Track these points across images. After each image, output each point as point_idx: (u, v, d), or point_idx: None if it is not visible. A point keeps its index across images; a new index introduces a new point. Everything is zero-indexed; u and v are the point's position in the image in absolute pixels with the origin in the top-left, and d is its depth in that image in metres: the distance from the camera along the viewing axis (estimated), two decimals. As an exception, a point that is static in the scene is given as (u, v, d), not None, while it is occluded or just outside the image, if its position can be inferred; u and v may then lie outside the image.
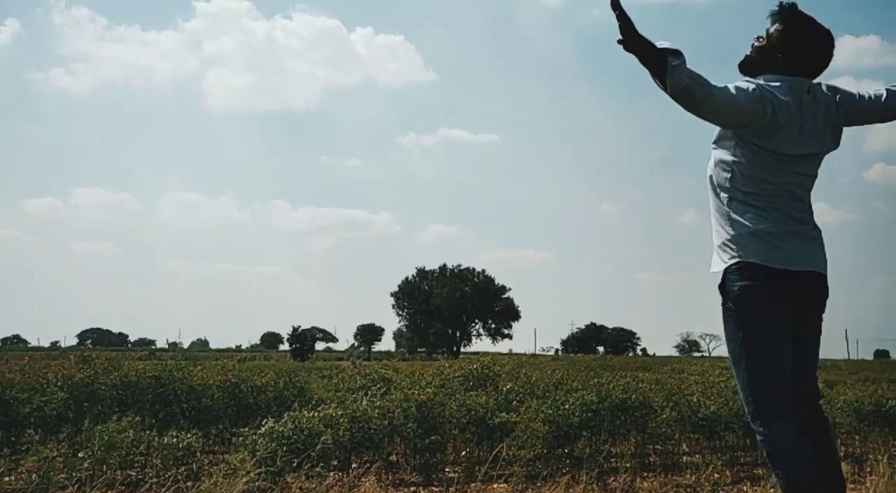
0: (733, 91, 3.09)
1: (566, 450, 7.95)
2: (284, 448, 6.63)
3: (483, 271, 78.82)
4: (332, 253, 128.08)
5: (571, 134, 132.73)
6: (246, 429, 7.59)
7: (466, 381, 10.00)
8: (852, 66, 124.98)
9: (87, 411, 8.37)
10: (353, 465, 7.34)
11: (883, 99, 3.40)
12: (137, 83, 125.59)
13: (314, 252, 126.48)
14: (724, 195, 3.28)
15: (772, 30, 3.32)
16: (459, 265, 78.55)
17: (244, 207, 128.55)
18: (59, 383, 8.57)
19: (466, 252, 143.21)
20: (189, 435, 6.92)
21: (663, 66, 2.99)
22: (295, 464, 6.42)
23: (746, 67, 3.38)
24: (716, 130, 3.33)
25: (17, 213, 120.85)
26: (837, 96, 3.36)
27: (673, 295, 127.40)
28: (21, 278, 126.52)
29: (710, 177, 3.39)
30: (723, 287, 3.19)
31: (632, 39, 3.05)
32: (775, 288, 3.07)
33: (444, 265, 78.40)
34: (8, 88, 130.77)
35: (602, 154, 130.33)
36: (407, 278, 78.39)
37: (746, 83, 3.18)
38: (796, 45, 3.27)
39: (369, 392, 9.01)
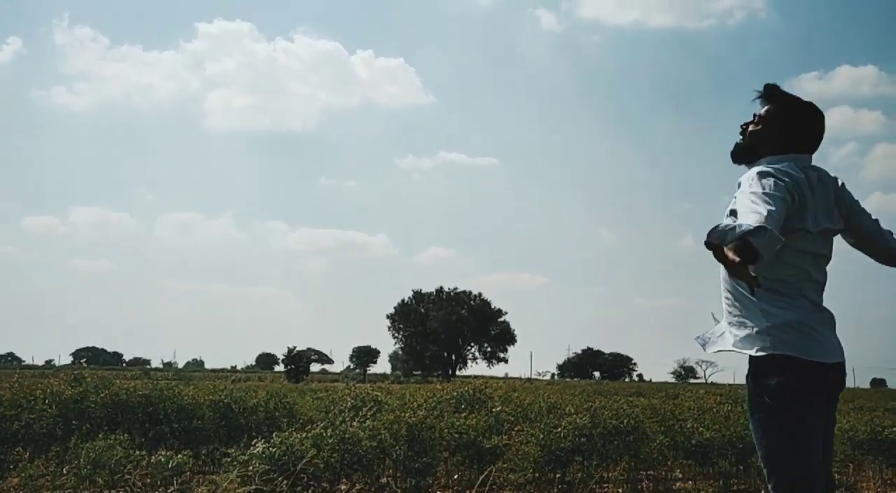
0: (778, 208, 2.82)
1: (557, 475, 7.90)
2: (274, 469, 6.57)
3: (479, 294, 78.80)
4: (329, 275, 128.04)
5: (569, 158, 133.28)
6: (233, 450, 7.54)
7: (458, 403, 9.96)
8: (850, 96, 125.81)
9: (77, 428, 8.32)
10: (343, 487, 7.29)
11: (889, 242, 3.32)
12: (138, 103, 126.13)
13: (311, 273, 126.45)
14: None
15: (763, 111, 3.24)
16: (456, 288, 78.57)
17: (242, 228, 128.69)
18: (47, 401, 8.52)
19: (464, 275, 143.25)
20: (178, 455, 6.87)
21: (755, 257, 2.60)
22: (284, 485, 6.36)
23: (743, 155, 3.27)
24: (728, 208, 3.16)
25: (15, 230, 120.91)
26: (845, 194, 3.30)
27: (670, 321, 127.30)
28: (17, 295, 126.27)
29: None
30: (755, 379, 3.01)
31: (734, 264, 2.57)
32: (813, 382, 2.96)
33: (441, 288, 78.41)
34: (9, 106, 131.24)
35: (600, 179, 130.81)
36: (403, 301, 78.34)
37: (772, 182, 2.92)
38: (793, 123, 3.20)
39: (360, 413, 8.96)
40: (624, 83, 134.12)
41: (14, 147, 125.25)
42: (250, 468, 6.71)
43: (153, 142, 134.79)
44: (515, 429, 8.38)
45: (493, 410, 9.29)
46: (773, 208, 2.78)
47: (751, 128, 3.25)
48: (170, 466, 6.65)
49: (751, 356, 3.02)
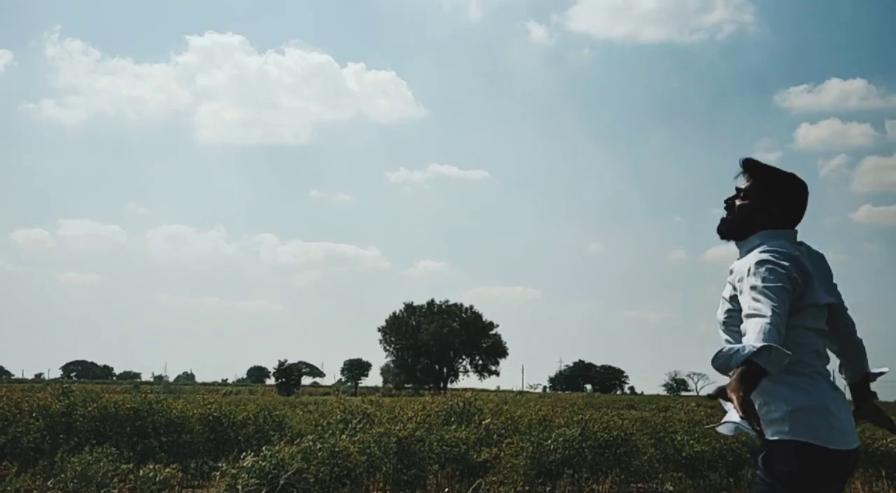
0: (781, 302, 2.73)
1: (548, 487, 7.88)
2: (263, 483, 6.54)
3: (471, 307, 78.61)
4: (320, 287, 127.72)
5: (561, 172, 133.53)
6: (221, 463, 7.51)
7: (448, 416, 9.93)
8: (839, 108, 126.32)
9: (64, 442, 8.26)
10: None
11: (853, 338, 3.18)
12: (129, 115, 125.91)
13: (303, 286, 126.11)
14: None
15: (747, 185, 3.11)
16: (447, 301, 78.41)
17: (232, 241, 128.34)
18: (34, 414, 8.47)
19: (455, 288, 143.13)
20: (167, 469, 6.83)
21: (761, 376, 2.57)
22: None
23: (733, 232, 3.11)
24: (724, 294, 3.01)
25: (4, 243, 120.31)
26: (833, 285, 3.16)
27: (661, 334, 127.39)
28: (6, 308, 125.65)
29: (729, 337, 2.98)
30: (768, 464, 2.80)
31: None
32: (831, 471, 2.82)
33: (432, 301, 78.23)
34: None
35: (591, 192, 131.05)
36: (394, 313, 78.10)
37: (772, 271, 2.81)
38: (783, 197, 3.09)
39: (349, 426, 8.93)
40: (615, 96, 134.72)
41: (4, 160, 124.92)
42: (239, 481, 6.68)
43: (144, 155, 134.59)
44: (506, 442, 8.35)
45: (483, 422, 9.27)
46: (777, 304, 2.70)
47: (738, 202, 3.11)
48: (157, 479, 6.61)
49: (765, 440, 2.81)
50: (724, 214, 3.16)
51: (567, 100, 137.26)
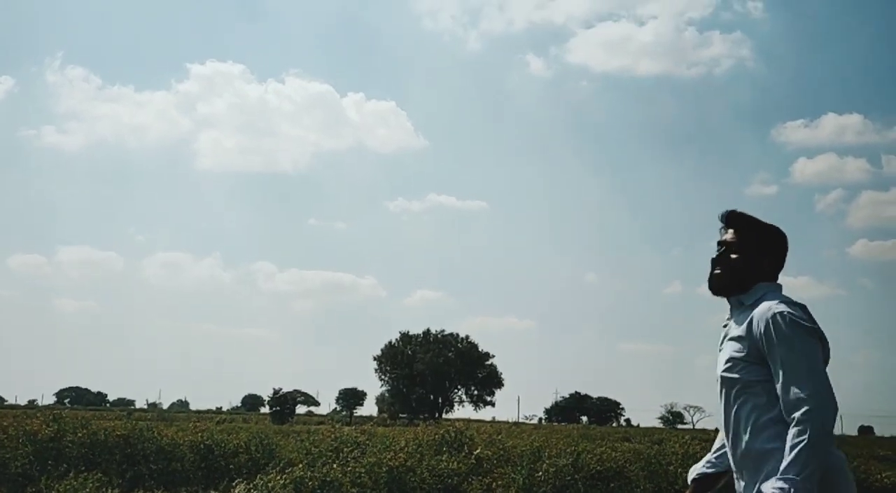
0: (825, 375, 2.73)
1: (539, 519, 7.82)
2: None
3: (467, 336, 78.36)
4: (316, 316, 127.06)
5: (558, 203, 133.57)
6: (212, 492, 7.46)
7: (440, 446, 9.87)
8: (835, 143, 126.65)
9: (53, 468, 8.20)
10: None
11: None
12: (129, 143, 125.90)
13: (299, 315, 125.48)
14: (770, 421, 2.76)
15: (733, 238, 3.01)
16: (443, 330, 78.14)
17: (229, 268, 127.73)
18: (22, 440, 8.41)
19: (452, 318, 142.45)
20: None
21: None
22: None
23: (731, 287, 2.98)
24: (736, 343, 2.87)
25: (0, 268, 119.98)
26: None
27: (657, 366, 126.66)
28: (1, 333, 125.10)
29: (739, 405, 2.84)
30: None
31: None
32: None
33: (428, 330, 77.97)
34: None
35: (588, 223, 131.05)
36: (390, 343, 77.81)
37: (807, 334, 2.75)
38: (772, 248, 3.03)
39: (340, 456, 8.88)
40: (612, 129, 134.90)
41: (2, 185, 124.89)
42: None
43: (143, 182, 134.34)
44: (497, 472, 8.30)
45: (474, 453, 9.22)
46: (825, 382, 2.71)
47: (733, 256, 2.99)
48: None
49: None
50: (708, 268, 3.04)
51: (565, 131, 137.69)
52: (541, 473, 7.87)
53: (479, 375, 77.22)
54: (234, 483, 8.08)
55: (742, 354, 2.81)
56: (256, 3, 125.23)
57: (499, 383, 78.17)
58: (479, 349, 77.82)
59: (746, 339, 2.81)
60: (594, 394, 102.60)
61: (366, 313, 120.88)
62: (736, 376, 2.82)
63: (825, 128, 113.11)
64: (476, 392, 77.81)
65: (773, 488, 2.58)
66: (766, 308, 2.81)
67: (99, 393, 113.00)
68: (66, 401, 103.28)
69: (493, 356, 78.17)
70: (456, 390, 77.92)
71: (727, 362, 2.85)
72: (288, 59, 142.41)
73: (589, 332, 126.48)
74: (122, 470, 9.01)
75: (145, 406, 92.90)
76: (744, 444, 2.79)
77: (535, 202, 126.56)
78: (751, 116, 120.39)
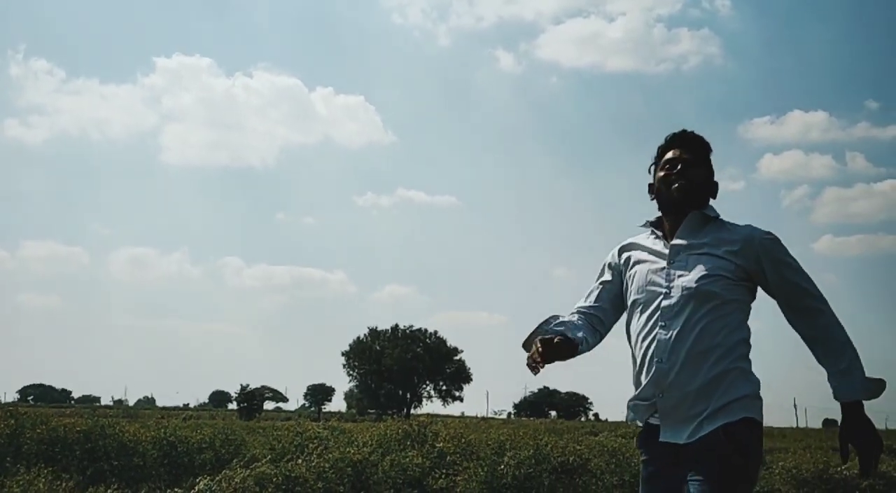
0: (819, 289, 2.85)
1: (503, 513, 7.84)
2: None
3: (435, 332, 78.38)
4: (285, 311, 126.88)
5: (527, 198, 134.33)
6: (177, 489, 7.40)
7: (404, 440, 9.87)
8: (800, 141, 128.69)
9: (11, 465, 8.09)
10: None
11: None
12: (93, 136, 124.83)
13: (267, 310, 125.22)
14: (739, 341, 2.76)
15: (692, 156, 2.93)
16: (411, 326, 78.08)
17: (197, 263, 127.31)
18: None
19: (421, 313, 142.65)
20: (115, 493, 6.71)
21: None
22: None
23: (698, 201, 2.89)
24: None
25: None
26: None
27: (626, 360, 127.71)
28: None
29: (719, 308, 2.75)
30: (736, 440, 2.67)
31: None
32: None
33: (396, 326, 77.90)
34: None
35: (557, 219, 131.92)
36: (358, 338, 77.71)
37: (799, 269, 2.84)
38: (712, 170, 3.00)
39: (305, 451, 8.84)
40: (581, 124, 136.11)
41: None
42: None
43: (108, 176, 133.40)
44: (461, 465, 8.32)
45: (437, 447, 9.22)
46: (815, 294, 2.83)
47: (694, 171, 2.90)
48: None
49: (738, 423, 2.68)
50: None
51: (534, 127, 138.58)
52: (503, 466, 7.89)
53: (448, 370, 77.31)
54: (196, 480, 8.01)
55: (727, 272, 2.75)
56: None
57: (467, 378, 78.34)
58: (448, 345, 77.94)
59: (735, 259, 2.76)
60: (563, 389, 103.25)
61: (335, 309, 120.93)
62: (717, 290, 2.72)
63: (791, 125, 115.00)
64: (444, 387, 77.91)
65: (849, 365, 2.69)
66: (758, 233, 2.82)
67: (63, 390, 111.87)
68: (30, 398, 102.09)
69: (462, 352, 78.36)
70: (424, 386, 77.98)
71: (705, 276, 2.73)
72: (256, 53, 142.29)
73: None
74: (83, 467, 8.90)
75: (111, 403, 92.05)
76: (710, 361, 2.68)
77: (504, 197, 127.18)
78: (718, 112, 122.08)
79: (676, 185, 2.87)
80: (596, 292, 3.10)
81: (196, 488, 7.69)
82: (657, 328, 2.77)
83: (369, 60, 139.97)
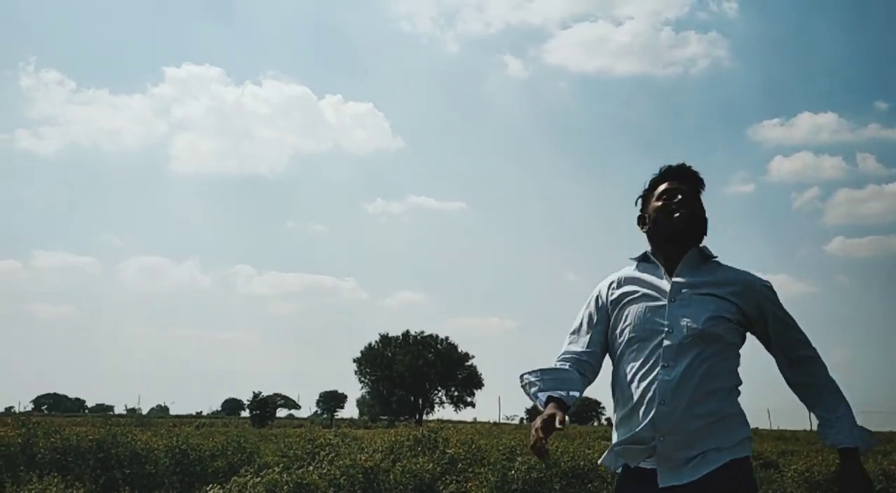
0: None
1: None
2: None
3: (446, 338, 78.23)
4: (296, 319, 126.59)
5: (537, 203, 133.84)
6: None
7: (415, 447, 9.89)
8: (810, 143, 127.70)
9: (24, 474, 8.15)
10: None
11: None
12: (104, 146, 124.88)
13: (278, 318, 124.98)
14: (737, 386, 2.75)
15: (691, 190, 2.85)
16: (422, 332, 78.00)
17: (208, 272, 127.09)
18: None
19: (432, 319, 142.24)
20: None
21: None
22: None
23: (699, 236, 2.81)
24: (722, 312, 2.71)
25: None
26: None
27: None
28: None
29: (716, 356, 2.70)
30: (745, 472, 2.66)
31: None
32: None
33: (407, 332, 77.88)
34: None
35: (567, 224, 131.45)
36: (370, 345, 77.67)
37: None
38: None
39: (316, 458, 8.88)
40: (590, 129, 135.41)
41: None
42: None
43: (119, 186, 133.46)
44: (471, 472, 8.33)
45: (448, 453, 9.24)
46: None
47: (696, 205, 2.82)
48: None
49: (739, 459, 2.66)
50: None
51: (543, 132, 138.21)
52: (513, 471, 7.90)
53: (459, 376, 77.19)
54: (208, 488, 8.06)
55: (730, 315, 2.68)
56: (233, 5, 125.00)
57: (479, 383, 78.19)
58: (459, 350, 77.82)
59: (737, 302, 2.71)
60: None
61: (346, 316, 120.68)
62: (721, 332, 2.66)
63: (801, 127, 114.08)
64: (456, 393, 77.78)
65: (837, 418, 2.68)
66: (758, 280, 2.78)
67: (77, 399, 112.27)
68: (44, 408, 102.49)
69: (473, 357, 78.18)
70: (436, 392, 77.90)
71: (711, 318, 2.65)
72: (265, 62, 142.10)
73: (569, 332, 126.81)
74: (96, 475, 8.96)
75: (124, 412, 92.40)
76: (712, 404, 2.61)
77: (514, 203, 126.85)
78: (727, 114, 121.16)
79: (678, 214, 2.78)
80: (588, 336, 2.93)
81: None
82: (657, 369, 2.64)
83: (378, 68, 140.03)
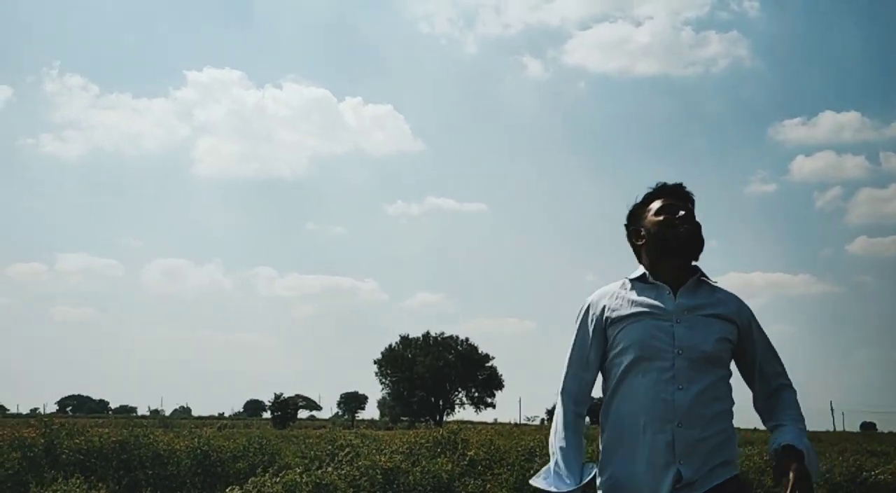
0: None
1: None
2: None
3: (466, 338, 78.28)
4: (317, 320, 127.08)
5: (557, 204, 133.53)
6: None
7: (435, 448, 9.92)
8: (833, 141, 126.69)
9: (47, 475, 8.24)
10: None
11: None
12: (127, 150, 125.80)
13: (299, 319, 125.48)
14: (733, 406, 2.75)
15: (691, 210, 2.85)
16: (443, 333, 78.07)
17: (229, 274, 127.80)
18: (11, 446, 8.44)
19: (452, 320, 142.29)
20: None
21: None
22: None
23: (697, 250, 2.79)
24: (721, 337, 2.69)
25: (0, 277, 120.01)
26: None
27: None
28: (2, 343, 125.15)
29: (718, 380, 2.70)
30: (747, 488, 2.90)
31: None
32: None
33: (428, 333, 77.97)
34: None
35: (586, 225, 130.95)
36: (390, 346, 77.81)
37: None
38: None
39: (336, 459, 8.92)
40: (610, 129, 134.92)
41: (2, 194, 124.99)
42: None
43: (141, 189, 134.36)
44: (490, 473, 8.35)
45: (468, 454, 9.26)
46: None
47: (698, 224, 2.81)
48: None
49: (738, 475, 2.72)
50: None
51: (563, 133, 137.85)
52: (532, 471, 7.90)
53: (480, 377, 77.20)
54: (227, 489, 8.11)
55: (732, 336, 2.69)
56: (253, 9, 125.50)
57: (499, 384, 78.17)
58: (479, 351, 77.84)
59: (734, 323, 2.71)
60: (595, 394, 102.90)
61: (367, 317, 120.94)
62: (725, 356, 2.68)
63: (823, 126, 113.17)
64: (477, 394, 77.78)
65: (798, 429, 2.64)
66: (745, 304, 2.78)
67: (101, 401, 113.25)
68: (69, 409, 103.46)
69: (493, 358, 78.19)
70: (456, 393, 77.93)
71: (719, 340, 2.65)
72: (285, 65, 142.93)
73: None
74: (119, 476, 9.05)
75: (147, 413, 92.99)
76: (721, 424, 2.63)
77: (534, 204, 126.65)
78: (748, 114, 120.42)
79: (683, 229, 2.74)
80: (583, 376, 2.97)
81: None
82: (671, 390, 2.60)
83: (397, 70, 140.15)
